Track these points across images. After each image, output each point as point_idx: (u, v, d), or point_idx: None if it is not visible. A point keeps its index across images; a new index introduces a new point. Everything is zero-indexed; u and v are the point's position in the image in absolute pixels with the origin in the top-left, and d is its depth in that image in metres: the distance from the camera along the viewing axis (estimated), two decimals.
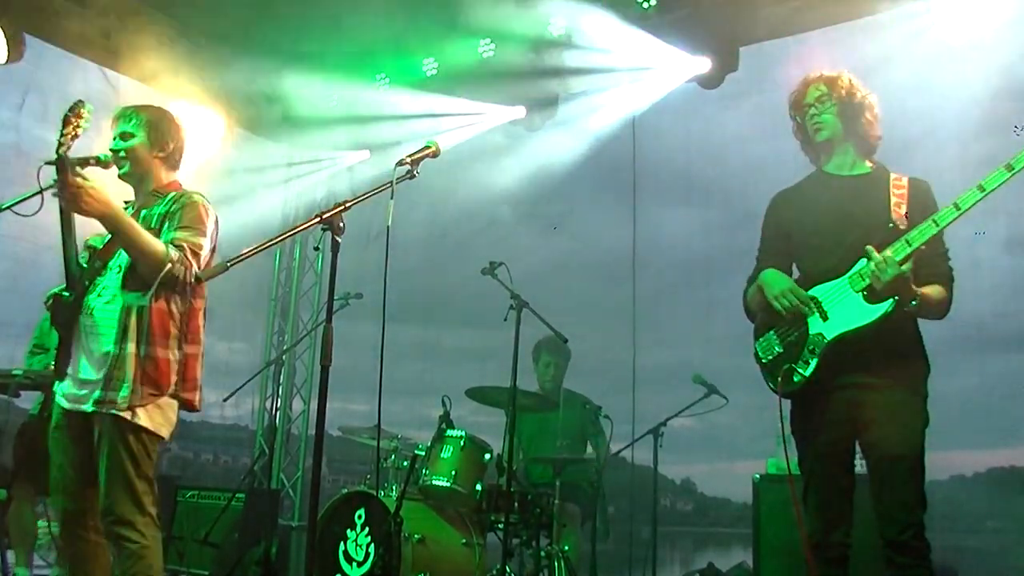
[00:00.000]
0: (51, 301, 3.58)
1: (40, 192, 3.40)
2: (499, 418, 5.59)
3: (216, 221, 3.71)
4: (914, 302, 3.30)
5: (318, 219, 3.06)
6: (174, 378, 3.52)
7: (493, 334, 5.48)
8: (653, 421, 5.82)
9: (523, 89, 7.34)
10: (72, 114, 3.22)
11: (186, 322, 3.62)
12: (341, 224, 3.08)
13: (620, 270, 7.55)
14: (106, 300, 3.54)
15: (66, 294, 3.56)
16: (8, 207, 3.49)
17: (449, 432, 5.49)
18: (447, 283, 8.26)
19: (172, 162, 3.84)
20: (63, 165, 3.22)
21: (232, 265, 3.02)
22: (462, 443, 5.40)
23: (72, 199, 3.27)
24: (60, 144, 3.20)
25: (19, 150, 5.30)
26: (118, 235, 3.44)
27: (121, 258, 3.59)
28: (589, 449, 6.26)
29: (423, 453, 5.51)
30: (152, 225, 3.59)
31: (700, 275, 7.73)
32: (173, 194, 3.71)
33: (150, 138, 3.74)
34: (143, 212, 3.67)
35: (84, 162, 3.43)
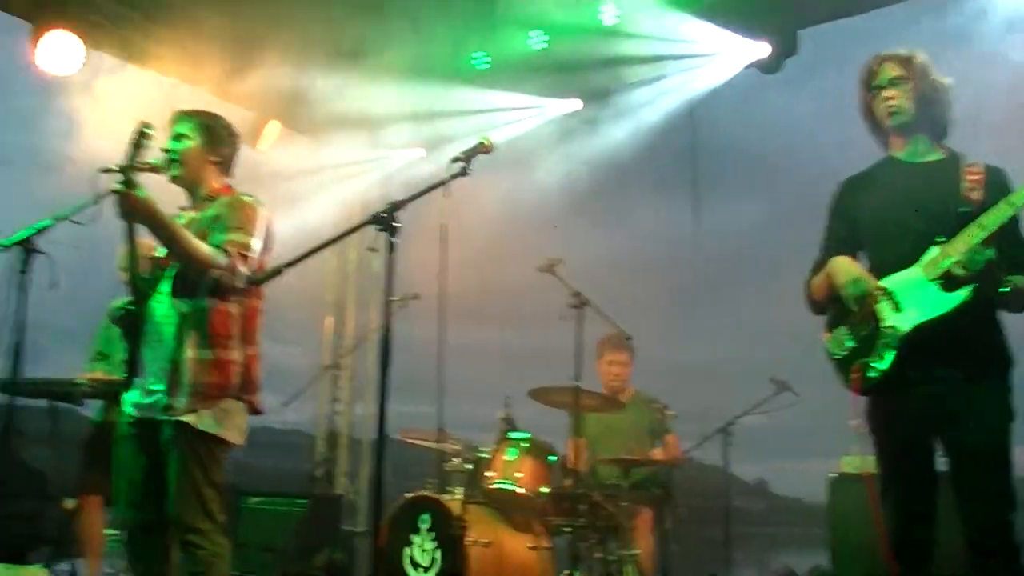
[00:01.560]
0: (120, 314, 3.66)
1: (96, 201, 3.48)
2: (563, 419, 5.59)
3: (268, 222, 3.74)
4: (1005, 288, 3.17)
5: (373, 219, 3.08)
6: (237, 380, 3.56)
7: (555, 333, 5.47)
8: (722, 419, 5.77)
9: (578, 81, 7.32)
10: (142, 137, 3.31)
11: (245, 323, 3.66)
12: (396, 224, 3.07)
13: (683, 264, 7.51)
14: (166, 306, 3.60)
15: (133, 307, 3.65)
16: (66, 216, 3.59)
17: (512, 434, 5.50)
18: (505, 281, 8.26)
19: (225, 167, 3.89)
20: (128, 184, 3.29)
21: (286, 269, 3.06)
22: (526, 445, 5.40)
23: (118, 206, 3.34)
24: (130, 167, 3.28)
25: (74, 159, 5.42)
26: (164, 241, 3.49)
27: (172, 267, 3.66)
28: (657, 449, 6.25)
29: (487, 456, 5.51)
30: (204, 228, 3.64)
31: (766, 267, 7.66)
32: (225, 197, 3.76)
33: (204, 141, 3.80)
34: (196, 216, 3.73)
35: (140, 167, 3.45)
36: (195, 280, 3.49)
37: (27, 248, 3.53)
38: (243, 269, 3.53)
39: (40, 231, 3.58)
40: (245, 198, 3.74)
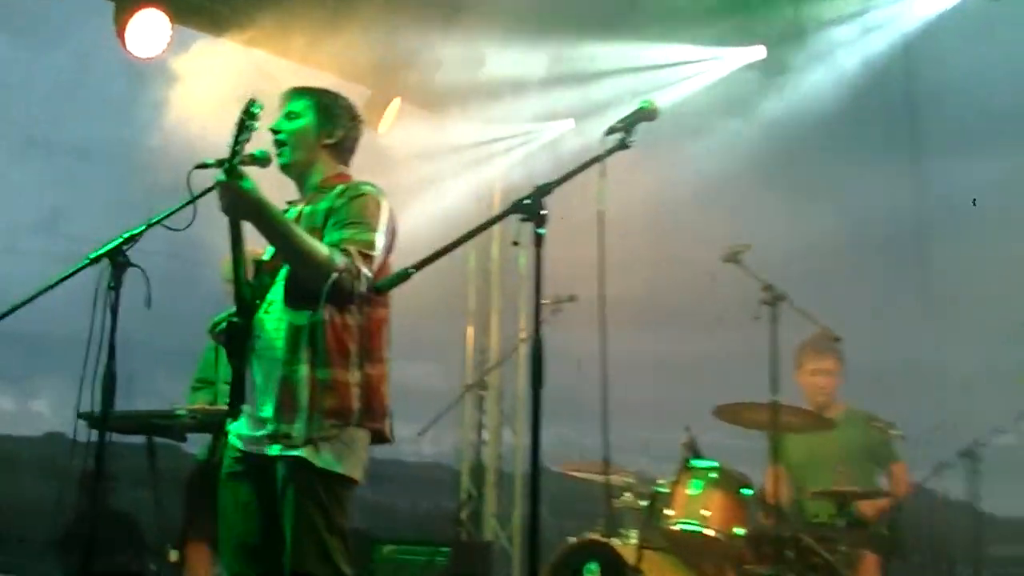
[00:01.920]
0: (222, 329, 3.73)
1: (192, 201, 3.59)
2: (759, 443, 5.51)
3: (391, 215, 3.77)
4: None
5: (516, 207, 3.09)
6: (357, 404, 3.59)
7: (743, 337, 5.40)
8: (966, 440, 5.63)
9: (760, 24, 7.17)
10: (246, 117, 3.35)
11: (367, 336, 3.68)
12: (544, 212, 3.07)
13: (903, 244, 7.40)
14: (276, 318, 3.66)
15: (237, 319, 3.71)
16: (158, 221, 3.67)
17: (696, 463, 5.46)
18: (679, 276, 8.16)
19: (341, 152, 3.94)
20: (233, 174, 3.35)
21: (416, 271, 3.08)
22: (714, 476, 5.35)
23: (220, 199, 3.41)
24: (235, 153, 3.34)
25: (165, 154, 5.64)
26: (273, 240, 3.56)
27: (282, 271, 3.71)
28: (880, 479, 6.07)
29: (665, 490, 5.48)
30: (317, 224, 3.68)
31: (1012, 239, 7.27)
32: (340, 186, 3.80)
33: (319, 121, 3.87)
34: (306, 210, 3.77)
35: (241, 160, 3.49)
36: (309, 286, 3.52)
37: (117, 261, 3.58)
38: (366, 271, 3.56)
39: (131, 240, 3.63)
40: (365, 187, 3.77)
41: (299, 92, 3.93)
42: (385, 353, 3.75)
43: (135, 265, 3.61)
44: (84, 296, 3.59)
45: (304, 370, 3.54)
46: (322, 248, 3.53)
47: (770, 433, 5.30)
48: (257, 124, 3.37)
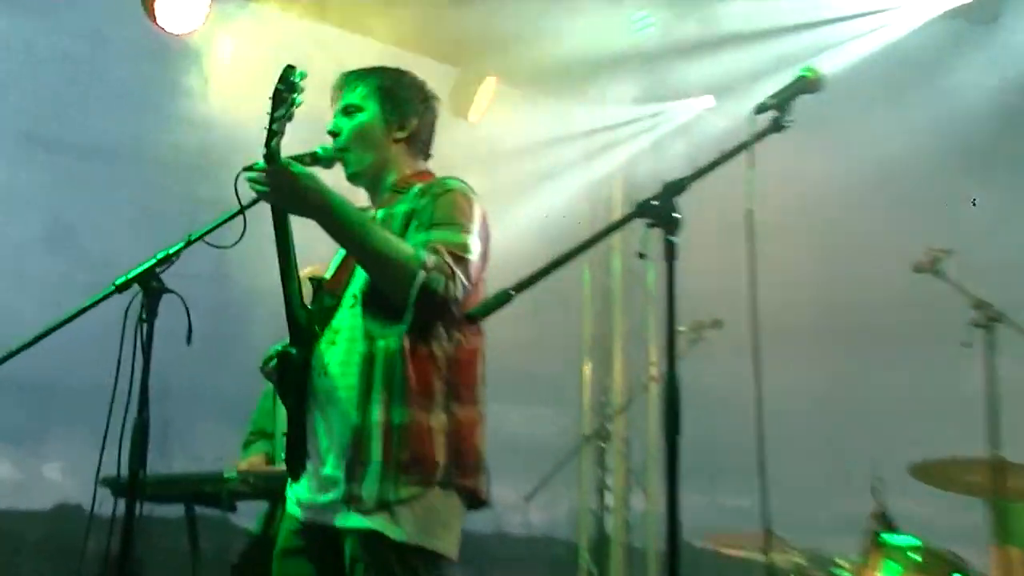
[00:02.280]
0: (273, 364, 3.75)
1: (242, 211, 3.57)
2: (976, 512, 5.45)
3: (485, 219, 3.77)
4: None
5: (642, 210, 3.03)
6: (443, 456, 3.56)
7: (947, 369, 5.29)
8: None
9: None
10: (284, 87, 3.33)
11: (457, 371, 3.67)
12: (677, 215, 3.02)
13: None
14: (343, 350, 3.66)
15: (292, 350, 3.72)
16: (200, 237, 3.66)
17: (890, 538, 5.40)
18: (856, 293, 8.07)
19: (419, 145, 3.97)
20: (272, 160, 3.35)
21: (517, 293, 3.00)
22: (915, 557, 5.30)
23: (270, 190, 3.42)
24: (271, 133, 3.33)
25: (207, 155, 5.71)
26: (342, 237, 3.55)
27: (357, 283, 3.72)
28: None
29: (848, 573, 5.47)
30: (394, 230, 3.67)
31: None
32: (420, 185, 3.82)
33: (386, 111, 3.90)
34: (379, 215, 3.80)
35: (299, 161, 3.54)
36: (391, 293, 3.52)
37: (149, 287, 3.54)
38: (461, 274, 3.54)
39: (166, 261, 3.60)
40: (451, 183, 3.78)
41: (354, 78, 3.95)
42: (479, 393, 3.73)
43: (172, 291, 3.58)
44: (108, 332, 3.54)
45: (378, 413, 3.52)
46: (404, 244, 3.54)
47: (993, 501, 5.18)
48: (300, 98, 3.34)
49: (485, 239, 3.75)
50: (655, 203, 3.05)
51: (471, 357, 3.72)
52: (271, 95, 3.33)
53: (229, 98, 6.13)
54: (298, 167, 3.40)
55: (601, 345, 9.70)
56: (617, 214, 8.56)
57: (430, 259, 3.48)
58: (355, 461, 3.52)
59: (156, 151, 7.31)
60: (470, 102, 8.24)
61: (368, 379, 3.57)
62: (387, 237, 3.52)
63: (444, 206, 3.69)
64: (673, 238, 3.02)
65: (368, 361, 3.58)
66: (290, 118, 3.34)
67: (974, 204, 7.50)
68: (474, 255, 3.62)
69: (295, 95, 3.32)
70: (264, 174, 3.37)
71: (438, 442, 3.55)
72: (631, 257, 9.53)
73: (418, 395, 3.55)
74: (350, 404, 3.56)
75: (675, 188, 3.06)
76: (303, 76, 3.34)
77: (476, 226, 3.69)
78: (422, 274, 3.44)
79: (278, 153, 3.35)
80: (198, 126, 6.19)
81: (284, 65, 3.35)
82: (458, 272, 3.52)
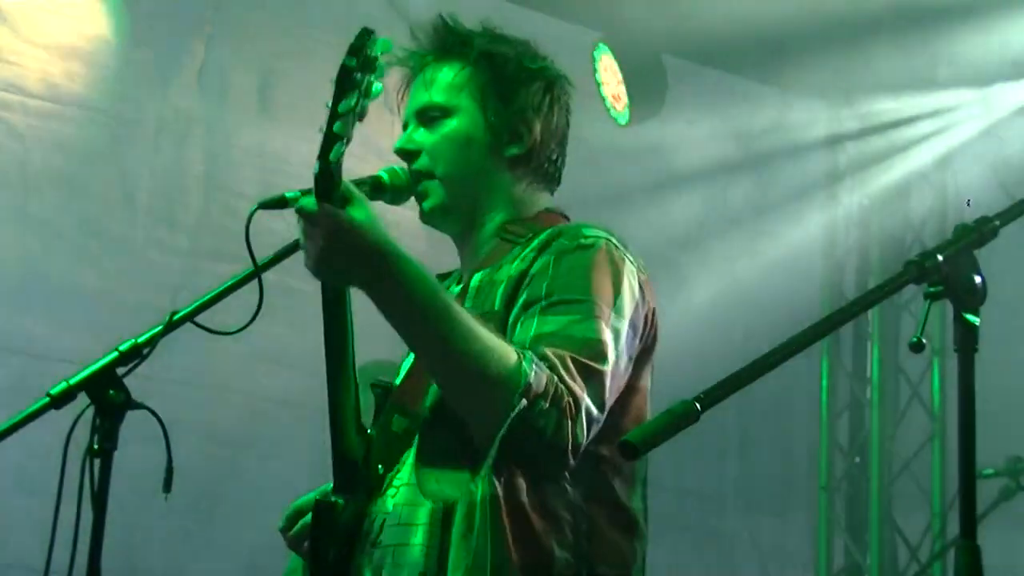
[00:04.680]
0: (301, 527, 3.11)
1: (258, 273, 2.85)
2: None
3: (643, 288, 2.99)
4: None
5: (909, 274, 2.34)
6: None
7: None
8: None
9: None
10: (357, 64, 2.62)
11: (586, 524, 2.96)
12: (977, 277, 2.37)
13: None
14: (407, 502, 2.98)
15: (338, 501, 3.02)
16: (189, 316, 2.96)
17: None
18: None
19: (542, 169, 3.17)
20: (329, 183, 2.60)
21: (705, 407, 2.16)
22: None
23: (305, 242, 2.68)
24: (331, 137, 2.58)
25: (209, 189, 4.70)
26: (406, 328, 2.80)
27: (430, 399, 3.06)
28: None
29: None
30: (493, 306, 2.97)
31: None
32: (544, 234, 3.03)
33: (490, 113, 3.11)
34: (474, 281, 3.08)
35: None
36: (473, 420, 2.83)
37: (105, 399, 2.81)
38: (590, 404, 2.76)
39: (133, 356, 2.89)
40: (590, 234, 2.98)
41: (439, 57, 3.16)
42: (635, 554, 2.98)
43: (142, 406, 2.88)
44: (41, 470, 3.15)
45: None
46: (503, 347, 2.75)
47: None
48: (380, 83, 2.59)
49: (641, 321, 2.98)
50: (940, 260, 2.37)
51: (613, 494, 3.00)
52: (336, 76, 2.60)
53: (242, 97, 5.29)
54: (363, 210, 2.64)
55: (847, 488, 8.06)
56: (874, 274, 6.80)
57: (540, 377, 2.70)
58: None
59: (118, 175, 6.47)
60: (619, 97, 6.94)
61: (442, 544, 2.89)
62: (476, 334, 2.74)
63: (574, 273, 2.94)
64: (972, 316, 2.43)
65: (442, 517, 2.91)
66: (363, 114, 2.60)
67: None
68: (614, 362, 2.86)
69: (372, 76, 2.60)
70: (312, 217, 2.61)
71: None
72: (894, 346, 7.49)
73: (526, 565, 2.85)
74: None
75: (976, 234, 2.40)
76: (387, 48, 2.66)
77: (627, 309, 2.95)
78: (523, 403, 2.69)
79: (339, 173, 2.60)
80: (228, 135, 5.44)
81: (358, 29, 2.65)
82: (584, 401, 2.75)
